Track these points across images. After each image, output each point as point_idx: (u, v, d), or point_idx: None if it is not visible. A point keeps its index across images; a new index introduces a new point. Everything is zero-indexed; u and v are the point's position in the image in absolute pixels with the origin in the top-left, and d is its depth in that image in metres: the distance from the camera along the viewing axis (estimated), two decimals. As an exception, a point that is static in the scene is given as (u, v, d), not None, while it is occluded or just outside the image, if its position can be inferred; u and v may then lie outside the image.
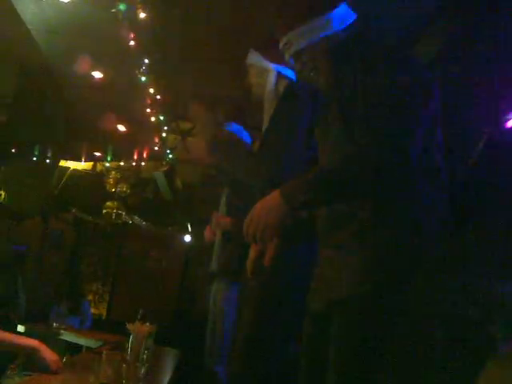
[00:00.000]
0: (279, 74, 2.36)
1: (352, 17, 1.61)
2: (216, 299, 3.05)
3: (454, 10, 3.25)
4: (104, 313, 8.52)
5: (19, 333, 3.78)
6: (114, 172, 6.93)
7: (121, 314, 7.62)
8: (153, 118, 5.10)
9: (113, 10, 3.51)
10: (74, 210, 7.85)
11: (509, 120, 3.45)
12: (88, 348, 3.60)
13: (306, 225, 1.65)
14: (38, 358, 1.96)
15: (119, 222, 7.32)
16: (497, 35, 3.07)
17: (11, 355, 2.08)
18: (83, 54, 4.23)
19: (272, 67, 2.35)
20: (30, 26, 3.89)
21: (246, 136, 3.03)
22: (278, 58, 2.37)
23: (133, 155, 6.65)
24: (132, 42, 3.91)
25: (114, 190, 6.95)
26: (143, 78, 4.39)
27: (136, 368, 2.04)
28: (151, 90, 4.63)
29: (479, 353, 1.31)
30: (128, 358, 2.16)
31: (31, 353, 1.98)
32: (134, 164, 6.88)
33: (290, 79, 2.36)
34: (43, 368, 1.94)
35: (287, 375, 2.09)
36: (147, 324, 2.27)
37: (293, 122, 2.17)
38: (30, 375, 1.94)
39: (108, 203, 7.04)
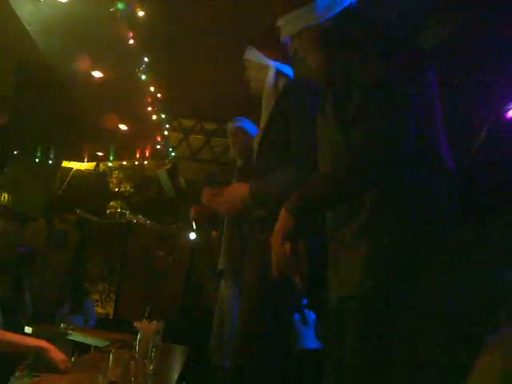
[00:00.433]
0: (278, 71, 2.37)
1: (341, 5, 1.58)
2: (224, 296, 3.07)
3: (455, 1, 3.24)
4: (111, 312, 8.53)
5: (26, 334, 3.79)
6: (116, 171, 6.94)
7: (128, 313, 7.62)
8: (154, 117, 5.11)
9: (111, 9, 3.51)
10: (78, 211, 7.86)
11: (509, 110, 3.45)
12: (96, 347, 3.60)
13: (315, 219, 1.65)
14: (46, 359, 1.97)
15: (123, 221, 7.33)
16: (498, 27, 3.06)
17: (19, 356, 2.08)
18: (82, 53, 4.23)
19: (271, 64, 2.36)
20: (28, 27, 3.88)
21: (255, 130, 3.05)
22: (276, 55, 2.37)
23: (135, 154, 6.65)
24: (131, 41, 3.91)
25: (117, 189, 6.96)
26: (143, 77, 4.39)
27: (144, 365, 2.04)
28: (152, 89, 4.63)
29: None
30: (136, 355, 2.17)
31: (39, 353, 1.98)
32: (136, 163, 6.89)
33: (289, 76, 2.36)
34: (52, 368, 1.95)
35: (286, 366, 2.10)
36: (154, 321, 2.28)
37: (293, 119, 2.16)
38: (38, 376, 1.94)
39: (112, 203, 7.05)
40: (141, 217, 7.72)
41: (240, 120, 3.23)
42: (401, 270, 1.40)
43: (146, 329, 2.22)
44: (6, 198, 6.02)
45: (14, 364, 2.03)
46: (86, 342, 3.84)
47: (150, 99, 4.79)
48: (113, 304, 8.55)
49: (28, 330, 3.94)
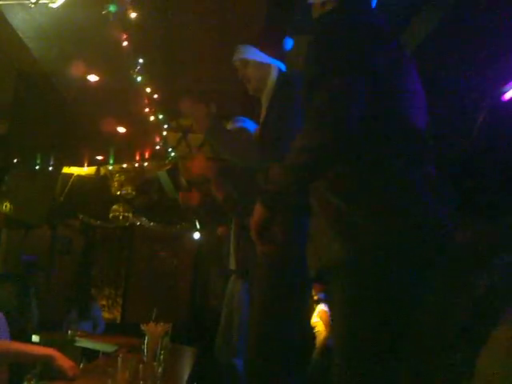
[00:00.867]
0: (279, 70, 2.36)
1: None
2: (233, 296, 3.05)
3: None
4: (118, 317, 8.53)
5: (34, 343, 3.78)
6: (117, 175, 6.91)
7: (135, 317, 7.62)
8: (152, 118, 5.08)
9: (103, 12, 3.48)
10: (81, 217, 7.85)
11: (506, 92, 3.43)
12: (104, 353, 3.59)
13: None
14: (54, 366, 1.96)
15: (127, 224, 7.32)
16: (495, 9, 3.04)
17: (28, 365, 2.08)
18: (77, 58, 4.20)
19: (272, 62, 2.35)
20: (21, 34, 3.86)
21: (254, 128, 3.04)
22: (275, 53, 2.36)
23: (135, 156, 6.63)
24: (125, 43, 3.89)
25: (119, 192, 6.93)
26: (139, 78, 4.36)
27: (153, 368, 2.04)
28: (148, 90, 4.61)
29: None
30: (145, 358, 2.16)
31: (47, 361, 1.97)
32: (136, 165, 6.86)
33: (285, 71, 2.35)
34: (60, 376, 1.94)
35: (298, 358, 2.10)
36: (161, 324, 2.27)
37: (288, 110, 2.16)
38: (47, 384, 1.93)
39: (114, 206, 7.04)
40: (144, 219, 7.72)
41: (240, 120, 3.19)
42: (373, 245, 1.45)
43: (154, 331, 2.21)
44: (8, 206, 6.00)
45: (22, 373, 2.02)
46: (94, 348, 3.84)
47: (146, 100, 4.76)
48: (120, 309, 8.55)
49: (35, 338, 3.94)
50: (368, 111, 1.42)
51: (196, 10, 3.97)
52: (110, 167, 6.97)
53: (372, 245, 1.44)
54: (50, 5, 3.42)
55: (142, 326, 2.24)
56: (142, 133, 5.63)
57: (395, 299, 1.43)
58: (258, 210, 1.57)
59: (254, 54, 2.36)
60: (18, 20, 3.69)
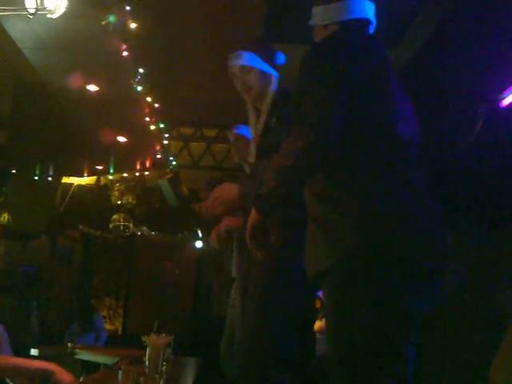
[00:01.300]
0: (277, 79, 2.35)
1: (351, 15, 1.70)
2: (236, 304, 3.03)
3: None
4: (120, 328, 8.47)
5: (33, 357, 3.74)
6: (118, 184, 6.91)
7: (137, 328, 7.56)
8: (152, 127, 5.08)
9: (103, 23, 3.48)
10: (81, 227, 7.82)
11: (503, 99, 3.43)
12: (105, 365, 3.55)
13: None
14: (54, 381, 1.92)
15: (127, 234, 7.29)
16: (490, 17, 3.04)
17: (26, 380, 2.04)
18: (76, 68, 4.20)
19: (273, 73, 2.34)
20: (20, 44, 3.85)
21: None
22: (273, 62, 2.35)
23: (136, 165, 6.62)
24: (125, 53, 3.89)
25: (119, 202, 6.92)
26: (139, 88, 4.36)
27: (155, 380, 2.01)
28: (148, 99, 4.61)
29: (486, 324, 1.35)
30: (146, 370, 2.13)
31: (46, 376, 1.93)
32: (137, 174, 6.85)
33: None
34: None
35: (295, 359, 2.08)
36: (163, 335, 2.24)
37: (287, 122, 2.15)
38: (47, 399, 1.89)
39: (115, 216, 7.01)
40: (145, 228, 7.68)
41: (239, 127, 3.18)
42: (359, 252, 1.47)
43: (155, 343, 2.18)
44: (6, 217, 5.98)
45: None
46: (95, 360, 3.80)
47: (147, 109, 4.77)
48: (121, 319, 8.49)
49: (34, 352, 3.89)
50: (353, 122, 1.50)
51: (193, 21, 3.99)
52: (111, 177, 6.96)
53: (358, 251, 1.47)
54: (49, 15, 3.41)
55: (143, 337, 2.21)
56: (142, 142, 5.63)
57: (383, 304, 1.45)
58: (252, 215, 1.62)
59: (259, 63, 2.34)
60: (16, 30, 3.69)
